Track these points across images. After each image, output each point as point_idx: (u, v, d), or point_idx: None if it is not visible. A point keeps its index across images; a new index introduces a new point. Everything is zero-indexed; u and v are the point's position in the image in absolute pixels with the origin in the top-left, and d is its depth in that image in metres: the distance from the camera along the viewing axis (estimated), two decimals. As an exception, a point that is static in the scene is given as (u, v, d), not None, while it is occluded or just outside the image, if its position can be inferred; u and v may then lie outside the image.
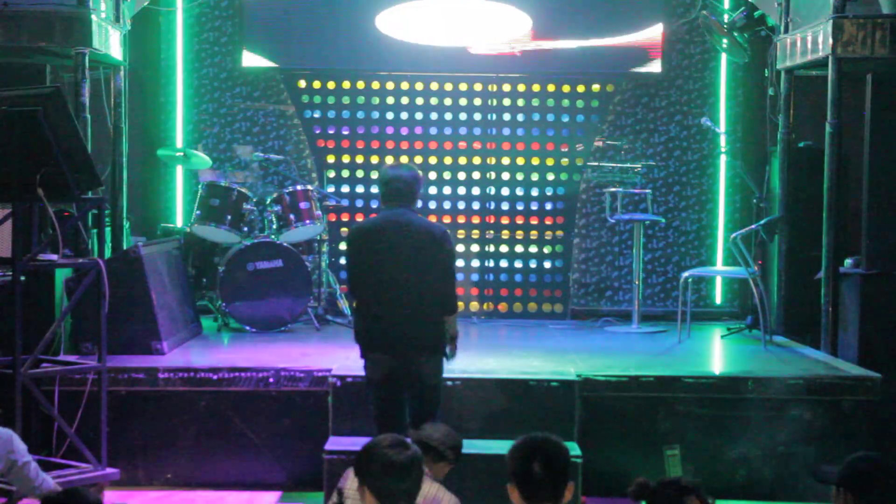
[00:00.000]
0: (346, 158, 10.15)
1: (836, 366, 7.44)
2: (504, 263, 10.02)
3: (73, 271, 7.20)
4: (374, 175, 10.12)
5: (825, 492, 6.03)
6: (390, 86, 10.10)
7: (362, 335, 5.89)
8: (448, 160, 10.13)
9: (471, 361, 7.05)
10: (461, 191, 10.15)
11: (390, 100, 10.11)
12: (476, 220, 10.10)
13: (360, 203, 10.11)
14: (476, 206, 10.12)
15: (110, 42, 8.28)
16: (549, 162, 10.09)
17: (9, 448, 5.39)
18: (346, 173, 10.14)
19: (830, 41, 7.79)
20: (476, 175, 10.12)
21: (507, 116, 10.12)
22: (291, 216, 8.84)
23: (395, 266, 5.77)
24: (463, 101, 10.13)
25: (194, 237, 8.92)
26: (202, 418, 7.04)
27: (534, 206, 10.09)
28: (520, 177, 10.11)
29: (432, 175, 10.12)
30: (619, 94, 10.12)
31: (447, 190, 10.13)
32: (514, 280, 10.08)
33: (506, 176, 10.08)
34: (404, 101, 10.13)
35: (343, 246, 9.93)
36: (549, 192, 10.12)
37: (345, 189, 10.06)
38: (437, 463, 5.26)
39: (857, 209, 8.23)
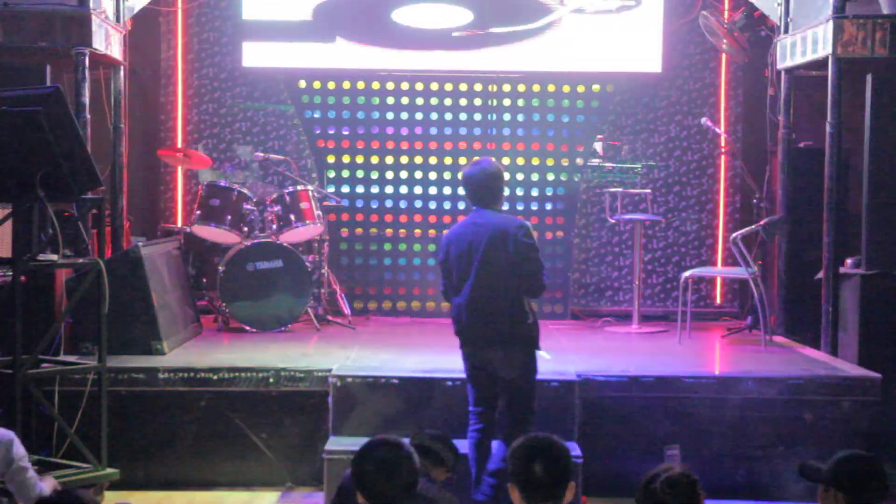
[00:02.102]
0: (346, 158, 10.15)
1: (836, 366, 7.44)
2: (504, 263, 10.00)
3: (73, 271, 7.20)
4: (375, 175, 10.14)
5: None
6: (390, 86, 10.10)
7: (456, 330, 6.11)
8: (448, 160, 10.13)
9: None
10: (461, 191, 10.12)
11: (390, 100, 10.11)
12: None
13: (360, 203, 10.10)
14: (476, 206, 10.11)
15: (110, 42, 8.28)
16: (549, 162, 10.09)
17: (8, 450, 5.36)
18: (346, 173, 10.14)
19: (830, 41, 7.79)
20: (476, 175, 10.11)
21: (507, 116, 10.12)
22: (291, 216, 8.83)
23: (475, 266, 5.95)
24: (463, 101, 10.13)
25: (194, 237, 8.91)
26: (202, 418, 7.03)
27: (534, 206, 10.09)
28: (520, 177, 10.11)
29: (432, 175, 10.13)
30: (619, 94, 10.12)
31: (447, 190, 10.13)
32: (514, 280, 10.06)
33: (506, 176, 10.04)
34: (404, 101, 10.13)
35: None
36: (549, 192, 10.11)
37: (345, 189, 10.06)
38: (436, 468, 5.27)
39: (857, 209, 8.23)
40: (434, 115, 10.13)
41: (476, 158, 6.51)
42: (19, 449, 5.41)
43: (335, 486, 5.49)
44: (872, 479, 3.75)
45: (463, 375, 6.83)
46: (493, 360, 5.96)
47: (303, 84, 10.14)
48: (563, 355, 7.77)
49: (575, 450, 6.42)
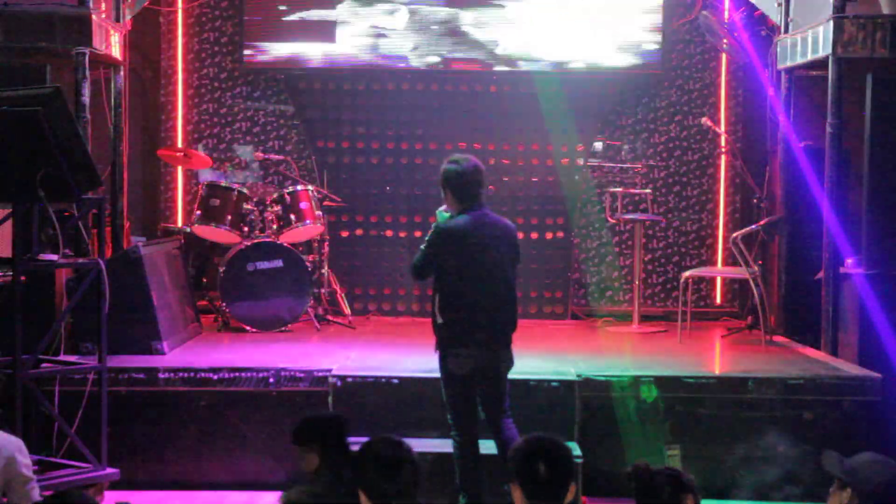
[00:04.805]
0: (346, 158, 10.14)
1: (836, 366, 7.44)
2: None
3: (74, 271, 7.20)
4: (375, 175, 10.12)
5: (825, 492, 6.01)
6: (390, 86, 10.10)
7: (449, 331, 5.97)
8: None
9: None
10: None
11: (390, 100, 10.11)
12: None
13: (360, 203, 10.09)
14: (476, 206, 10.09)
15: (110, 42, 8.28)
16: (549, 162, 10.09)
17: (11, 460, 5.23)
18: (346, 173, 10.13)
19: (830, 41, 7.79)
20: (476, 175, 10.10)
21: (507, 116, 10.11)
22: (291, 216, 8.83)
23: (491, 267, 5.95)
24: (463, 101, 10.12)
25: (194, 237, 8.91)
26: (202, 418, 7.03)
27: (534, 206, 10.08)
28: (520, 177, 10.10)
29: (432, 175, 10.11)
30: (619, 95, 10.12)
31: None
32: (514, 280, 10.06)
33: (506, 177, 10.07)
34: (405, 101, 10.12)
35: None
36: (549, 192, 10.11)
37: (345, 189, 10.05)
38: None
39: (857, 209, 8.23)
40: (434, 115, 10.12)
41: (456, 156, 6.16)
42: (24, 458, 5.30)
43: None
44: (890, 488, 3.74)
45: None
46: (500, 361, 6.03)
47: (303, 84, 10.13)
48: (563, 355, 7.78)
49: (575, 450, 6.42)
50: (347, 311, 9.34)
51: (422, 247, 6.09)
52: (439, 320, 5.99)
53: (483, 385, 6.01)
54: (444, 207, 6.17)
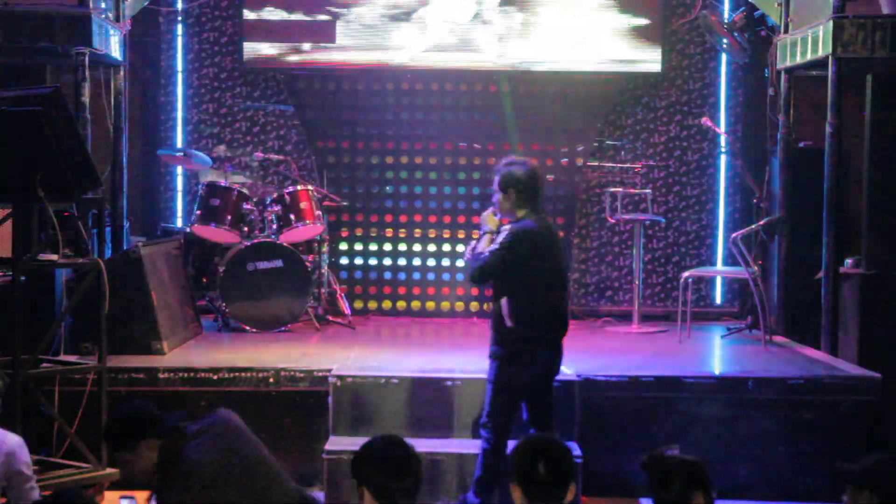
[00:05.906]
0: (346, 158, 10.14)
1: (836, 366, 7.44)
2: (504, 263, 9.98)
3: (73, 271, 7.20)
4: (375, 175, 10.12)
5: (825, 492, 6.03)
6: (390, 86, 10.10)
7: (522, 335, 5.92)
8: (448, 160, 10.12)
9: (471, 361, 7.05)
10: (461, 191, 10.14)
11: (390, 100, 10.11)
12: (476, 220, 10.07)
13: (360, 203, 10.10)
14: (476, 206, 10.09)
15: (110, 42, 8.28)
16: (549, 162, 10.08)
17: (12, 457, 5.23)
18: (346, 173, 10.13)
19: (830, 41, 7.79)
20: (476, 175, 10.12)
21: (507, 116, 10.10)
22: (291, 216, 8.83)
23: (560, 271, 6.09)
24: (463, 101, 10.12)
25: (194, 237, 8.91)
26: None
27: (534, 206, 10.06)
28: (520, 177, 10.08)
29: (433, 175, 10.12)
30: (619, 94, 10.12)
31: (447, 190, 10.12)
32: (514, 280, 10.05)
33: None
34: (404, 101, 10.12)
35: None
36: (548, 192, 10.10)
37: (345, 189, 10.05)
38: None
39: (857, 209, 8.24)
40: (434, 115, 10.12)
41: (516, 158, 6.13)
42: (24, 456, 5.31)
43: (335, 485, 5.50)
44: None
45: (463, 375, 6.86)
46: (557, 364, 6.09)
47: (303, 84, 10.13)
48: (563, 355, 7.76)
49: (575, 450, 6.42)
50: (347, 311, 9.34)
51: (493, 248, 5.90)
52: (509, 324, 5.88)
53: (536, 391, 6.03)
54: (491, 210, 6.12)
